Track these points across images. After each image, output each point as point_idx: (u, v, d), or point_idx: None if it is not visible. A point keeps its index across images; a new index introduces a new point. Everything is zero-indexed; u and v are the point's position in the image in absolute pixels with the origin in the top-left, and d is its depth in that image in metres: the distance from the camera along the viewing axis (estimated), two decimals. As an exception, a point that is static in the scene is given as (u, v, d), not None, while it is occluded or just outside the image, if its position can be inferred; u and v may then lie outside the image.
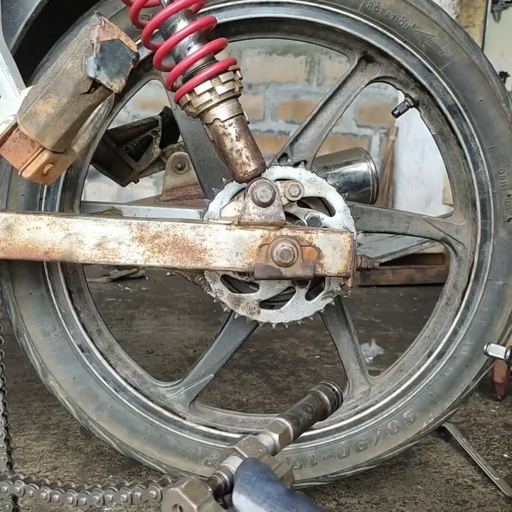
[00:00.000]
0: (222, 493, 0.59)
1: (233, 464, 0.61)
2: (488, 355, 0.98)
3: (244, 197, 0.97)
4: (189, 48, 0.90)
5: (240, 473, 0.59)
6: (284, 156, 1.09)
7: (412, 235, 1.15)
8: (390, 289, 3.17)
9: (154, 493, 0.79)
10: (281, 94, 4.10)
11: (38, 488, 0.87)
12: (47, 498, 0.86)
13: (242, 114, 0.93)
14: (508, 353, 0.97)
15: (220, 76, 0.90)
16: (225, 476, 0.60)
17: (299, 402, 0.76)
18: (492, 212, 1.08)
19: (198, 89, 0.90)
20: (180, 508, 0.55)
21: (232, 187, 1.03)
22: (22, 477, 0.89)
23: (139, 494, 0.81)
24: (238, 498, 0.57)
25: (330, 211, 1.04)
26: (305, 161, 1.09)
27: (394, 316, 2.66)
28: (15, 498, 1.01)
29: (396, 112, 1.13)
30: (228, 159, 0.94)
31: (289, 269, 0.97)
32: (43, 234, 0.95)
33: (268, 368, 1.95)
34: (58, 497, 0.86)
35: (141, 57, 1.00)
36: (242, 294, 1.06)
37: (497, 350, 0.98)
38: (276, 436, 0.68)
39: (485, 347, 0.99)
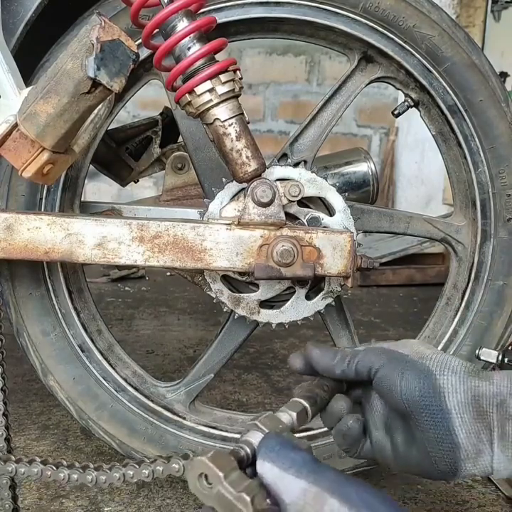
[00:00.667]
0: (245, 464, 0.59)
1: (254, 438, 0.61)
2: (479, 359, 0.98)
3: (245, 197, 0.97)
4: (189, 48, 0.90)
5: (264, 443, 0.59)
6: (284, 156, 1.09)
7: (412, 235, 1.15)
8: (390, 289, 3.17)
9: (176, 466, 0.80)
10: (281, 94, 4.10)
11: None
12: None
13: (242, 114, 0.93)
14: (500, 357, 0.97)
15: (220, 76, 0.90)
16: (247, 449, 0.60)
17: (314, 382, 0.77)
18: (492, 212, 1.08)
19: (198, 89, 0.90)
20: (206, 476, 0.56)
21: (232, 187, 1.03)
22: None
23: (160, 469, 0.82)
24: (263, 466, 0.57)
25: (330, 211, 1.04)
26: (305, 161, 1.09)
27: (394, 316, 2.66)
28: (15, 498, 1.01)
29: (396, 112, 1.13)
30: (228, 159, 0.94)
31: (289, 269, 0.97)
32: (43, 234, 0.95)
33: (268, 368, 1.95)
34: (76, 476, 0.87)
35: (141, 57, 1.00)
36: (242, 294, 1.06)
37: (488, 355, 0.98)
38: (294, 415, 0.68)
39: (477, 351, 0.98)
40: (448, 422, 0.64)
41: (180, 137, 1.20)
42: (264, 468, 0.57)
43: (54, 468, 0.87)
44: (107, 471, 0.86)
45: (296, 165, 1.06)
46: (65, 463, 0.88)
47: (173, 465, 0.80)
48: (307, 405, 0.71)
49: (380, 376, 0.69)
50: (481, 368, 0.69)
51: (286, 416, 0.68)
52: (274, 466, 0.56)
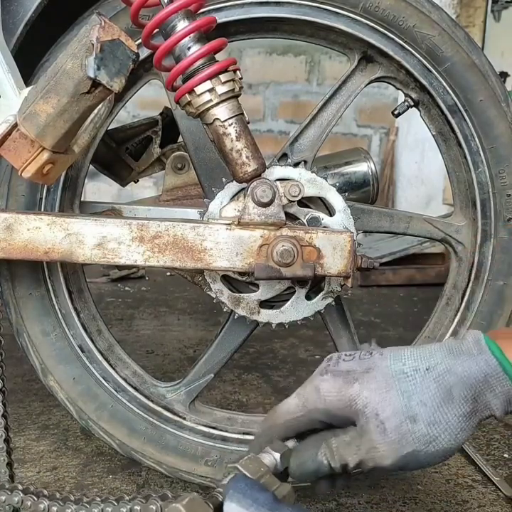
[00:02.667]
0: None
1: None
2: None
3: (244, 197, 0.97)
4: (189, 48, 0.90)
5: (232, 484, 0.62)
6: (284, 156, 1.09)
7: (412, 235, 1.15)
8: (390, 289, 3.17)
9: (154, 507, 0.80)
10: (281, 94, 4.10)
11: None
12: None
13: (242, 114, 0.93)
14: None
15: (220, 76, 0.90)
16: None
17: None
18: (492, 212, 1.08)
19: (198, 89, 0.90)
20: None
21: (232, 187, 1.02)
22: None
23: (138, 508, 0.82)
24: (229, 506, 0.60)
25: (330, 211, 1.04)
26: (305, 161, 1.09)
27: (394, 316, 2.66)
28: (15, 498, 1.01)
29: (396, 112, 1.13)
30: (228, 159, 0.94)
31: (289, 269, 0.97)
32: (43, 234, 0.95)
33: (268, 368, 1.95)
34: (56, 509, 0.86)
35: (141, 57, 1.00)
36: (242, 294, 1.06)
37: None
38: (277, 456, 0.69)
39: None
40: None
41: (180, 137, 1.20)
42: (229, 508, 0.60)
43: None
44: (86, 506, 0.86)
45: (296, 165, 1.06)
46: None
47: (151, 506, 0.81)
48: (291, 446, 0.72)
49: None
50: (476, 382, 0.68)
51: (270, 458, 0.69)
52: (238, 507, 0.59)
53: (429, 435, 0.65)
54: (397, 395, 0.67)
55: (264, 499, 0.59)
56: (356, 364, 0.72)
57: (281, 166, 1.03)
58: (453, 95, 1.05)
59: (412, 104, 1.10)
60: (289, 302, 1.06)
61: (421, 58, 1.04)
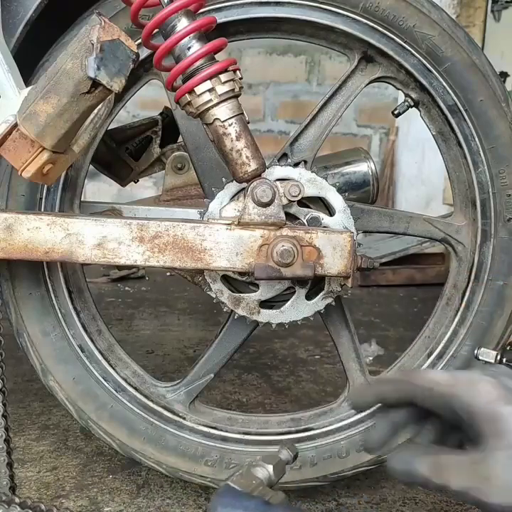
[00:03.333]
0: None
1: None
2: (478, 359, 0.98)
3: (244, 197, 0.97)
4: (189, 48, 0.90)
5: (219, 501, 0.61)
6: (284, 156, 1.09)
7: (412, 235, 1.15)
8: (390, 289, 3.17)
9: None
10: (281, 94, 4.10)
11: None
12: None
13: (242, 114, 0.93)
14: (498, 358, 0.97)
15: (220, 76, 0.90)
16: None
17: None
18: (492, 212, 1.08)
19: (198, 89, 0.90)
20: None
21: (232, 187, 1.02)
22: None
23: None
24: None
25: (330, 211, 1.04)
26: (305, 161, 1.09)
27: (394, 316, 2.66)
28: (15, 498, 1.01)
29: (396, 112, 1.13)
30: (228, 159, 0.94)
31: (289, 269, 0.97)
32: (43, 234, 0.95)
33: (268, 368, 1.95)
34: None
35: (141, 57, 1.00)
36: (242, 294, 1.06)
37: (487, 355, 0.98)
38: (270, 468, 0.68)
39: (475, 351, 0.98)
40: None
41: (180, 137, 1.20)
42: None
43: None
44: None
45: (296, 165, 1.06)
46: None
47: None
48: (283, 457, 0.71)
49: None
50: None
51: (262, 471, 0.68)
52: None
53: None
54: None
55: (255, 505, 0.59)
56: None
57: (281, 166, 1.03)
58: (453, 95, 1.05)
59: (412, 104, 1.10)
60: (289, 302, 1.06)
61: (421, 58, 1.04)
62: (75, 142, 0.93)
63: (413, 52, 1.04)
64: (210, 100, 0.90)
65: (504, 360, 0.96)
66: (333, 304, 1.07)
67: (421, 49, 1.04)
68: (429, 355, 1.15)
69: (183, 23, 0.90)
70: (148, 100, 2.94)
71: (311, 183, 1.03)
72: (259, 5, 1.04)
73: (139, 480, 1.26)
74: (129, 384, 1.15)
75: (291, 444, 0.73)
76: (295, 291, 1.06)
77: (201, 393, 1.18)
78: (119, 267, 2.62)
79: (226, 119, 0.91)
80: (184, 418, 1.16)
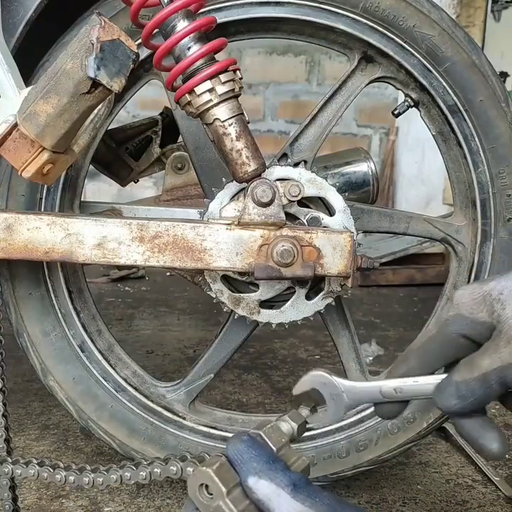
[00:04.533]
0: None
1: None
2: None
3: (244, 197, 0.97)
4: (189, 48, 0.90)
5: (252, 457, 0.56)
6: (284, 156, 1.09)
7: (412, 235, 1.15)
8: (390, 289, 3.17)
9: (174, 468, 0.79)
10: (281, 94, 4.10)
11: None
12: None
13: (242, 114, 0.93)
14: None
15: (220, 76, 0.90)
16: None
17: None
18: (492, 212, 1.08)
19: (198, 89, 0.90)
20: (207, 486, 0.55)
21: (232, 187, 1.02)
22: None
23: (158, 471, 0.81)
24: (258, 482, 0.55)
25: (330, 211, 1.04)
26: (305, 161, 1.09)
27: (394, 316, 2.66)
28: (15, 499, 1.01)
29: (396, 112, 1.13)
30: (228, 159, 0.94)
31: (289, 269, 0.97)
32: (43, 234, 0.95)
33: (268, 368, 1.95)
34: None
35: (141, 57, 1.00)
36: (242, 294, 1.06)
37: None
38: (295, 426, 0.66)
39: None
40: None
41: (180, 137, 1.20)
42: (260, 484, 0.55)
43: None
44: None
45: (296, 165, 1.06)
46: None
47: (171, 468, 0.80)
48: (305, 415, 0.70)
49: None
50: None
51: (287, 426, 0.66)
52: (271, 484, 0.54)
53: None
54: None
55: (300, 481, 0.55)
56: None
57: (281, 166, 1.03)
58: (453, 95, 1.05)
59: (412, 104, 1.10)
60: (289, 302, 1.06)
61: (421, 58, 1.04)
62: (75, 142, 0.93)
63: (413, 52, 1.04)
64: (210, 100, 0.90)
65: None
66: (333, 303, 1.07)
67: (421, 49, 1.04)
68: (429, 355, 1.15)
69: (183, 23, 0.90)
70: (148, 100, 2.94)
71: (311, 183, 1.03)
72: (259, 5, 1.04)
73: (139, 480, 1.26)
74: (129, 384, 1.15)
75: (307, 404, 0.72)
76: (295, 291, 1.06)
77: (201, 393, 1.18)
78: (119, 267, 2.62)
79: (226, 119, 0.91)
80: (184, 418, 1.16)
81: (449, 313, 0.64)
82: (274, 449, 0.60)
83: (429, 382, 0.65)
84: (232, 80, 0.91)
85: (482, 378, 0.59)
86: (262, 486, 0.54)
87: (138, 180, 1.53)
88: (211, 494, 0.55)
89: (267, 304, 1.08)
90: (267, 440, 0.61)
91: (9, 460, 0.90)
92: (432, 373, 0.66)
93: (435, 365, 0.66)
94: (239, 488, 0.55)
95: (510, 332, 0.58)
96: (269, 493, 0.54)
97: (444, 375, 0.63)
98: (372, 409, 1.15)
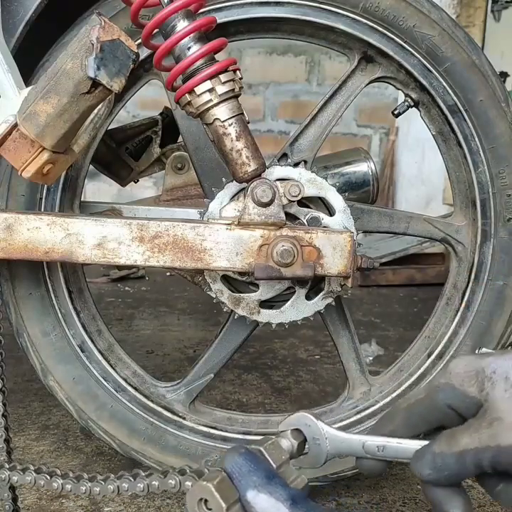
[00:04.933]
0: None
1: None
2: None
3: (244, 197, 0.97)
4: (189, 48, 0.90)
5: (251, 472, 0.56)
6: (284, 156, 1.09)
7: (412, 235, 1.15)
8: (390, 289, 3.17)
9: (173, 482, 0.79)
10: (281, 94, 4.11)
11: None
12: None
13: (242, 114, 0.93)
14: None
15: (220, 76, 0.90)
16: None
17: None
18: (492, 212, 1.08)
19: (198, 89, 0.90)
20: (206, 501, 0.54)
21: (232, 187, 1.02)
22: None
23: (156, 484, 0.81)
24: (257, 496, 0.54)
25: (330, 211, 1.04)
26: (305, 161, 1.09)
27: (394, 316, 2.66)
28: (15, 499, 1.01)
29: (396, 112, 1.13)
30: (228, 159, 0.94)
31: (289, 269, 0.96)
32: (43, 234, 0.95)
33: (268, 368, 1.95)
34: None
35: (141, 57, 1.00)
36: (242, 294, 1.06)
37: None
38: (295, 443, 0.66)
39: (476, 352, 0.98)
40: None
41: (180, 137, 1.20)
42: (259, 498, 0.54)
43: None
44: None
45: (296, 165, 1.06)
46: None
47: (170, 481, 0.80)
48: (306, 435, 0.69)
49: None
50: None
51: (287, 443, 0.66)
52: (271, 498, 0.54)
53: None
54: None
55: (298, 496, 0.55)
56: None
57: (281, 166, 1.03)
58: (453, 95, 1.05)
59: (412, 104, 1.10)
60: (289, 302, 1.06)
61: (421, 58, 1.04)
62: (75, 142, 0.93)
63: (413, 52, 1.04)
64: (210, 100, 0.90)
65: None
66: (333, 303, 1.07)
67: (421, 49, 1.04)
68: (429, 356, 1.15)
69: (183, 23, 0.90)
70: (148, 100, 2.94)
71: (311, 183, 1.03)
72: (259, 5, 1.04)
73: (139, 480, 1.26)
74: (129, 384, 1.15)
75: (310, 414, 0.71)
76: (295, 291, 1.06)
77: (201, 393, 1.18)
78: (119, 267, 2.62)
79: (226, 119, 0.91)
80: (184, 418, 1.16)
81: (440, 380, 0.64)
82: (274, 466, 0.60)
83: (412, 446, 0.64)
84: (232, 80, 0.91)
85: (458, 455, 0.59)
86: (261, 500, 0.54)
87: (138, 180, 1.53)
88: (210, 509, 0.54)
89: (267, 304, 1.08)
90: (268, 457, 0.61)
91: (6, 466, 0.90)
92: (418, 436, 0.66)
93: (420, 428, 0.66)
94: (238, 504, 0.55)
95: (493, 414, 0.58)
96: (268, 507, 0.54)
97: (427, 442, 0.63)
98: (372, 409, 1.15)
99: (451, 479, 0.60)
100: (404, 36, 1.03)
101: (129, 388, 1.14)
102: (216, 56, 0.93)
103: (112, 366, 1.14)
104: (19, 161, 0.87)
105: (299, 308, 1.06)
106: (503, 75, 3.69)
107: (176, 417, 1.15)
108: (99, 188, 3.79)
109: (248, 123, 0.95)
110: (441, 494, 0.61)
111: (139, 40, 0.97)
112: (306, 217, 1.03)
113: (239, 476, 0.56)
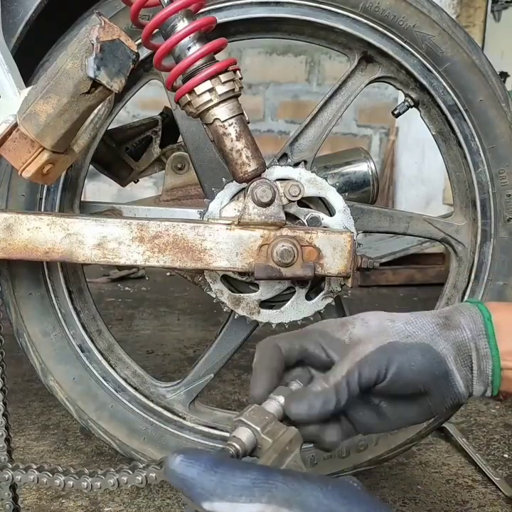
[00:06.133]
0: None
1: (243, 435, 0.60)
2: None
3: (244, 197, 0.97)
4: (189, 48, 0.90)
5: (201, 479, 0.52)
6: (284, 156, 1.09)
7: (412, 235, 1.15)
8: (390, 289, 3.17)
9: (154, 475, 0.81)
10: (281, 94, 4.10)
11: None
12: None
13: (242, 114, 0.93)
14: None
15: (220, 76, 0.90)
16: (237, 446, 0.59)
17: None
18: (492, 212, 1.08)
19: (198, 89, 0.90)
20: None
21: (232, 187, 1.02)
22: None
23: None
24: (212, 507, 0.51)
25: (330, 211, 1.04)
26: (305, 161, 1.09)
27: (394, 316, 2.65)
28: (15, 498, 1.01)
29: (396, 112, 1.13)
30: (228, 159, 0.94)
31: (289, 269, 0.97)
32: (43, 234, 0.95)
33: (268, 368, 1.94)
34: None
35: (141, 57, 1.00)
36: (242, 294, 1.06)
37: None
38: (281, 399, 0.65)
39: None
40: (453, 380, 0.69)
41: (180, 137, 1.20)
42: (215, 507, 0.51)
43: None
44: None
45: (296, 165, 1.06)
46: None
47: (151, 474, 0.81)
48: (294, 388, 0.69)
49: (394, 372, 0.67)
50: (445, 310, 0.73)
51: (274, 404, 0.65)
52: (224, 502, 0.51)
53: (407, 331, 0.70)
54: (385, 314, 0.73)
55: (252, 481, 0.51)
56: None
57: (281, 166, 1.03)
58: (453, 95, 1.05)
59: (412, 104, 1.10)
60: (289, 302, 1.06)
61: (421, 58, 1.04)
62: (75, 142, 0.93)
63: (413, 52, 1.04)
64: (210, 100, 0.90)
65: None
66: (333, 303, 1.07)
67: (421, 49, 1.04)
68: (429, 355, 1.15)
69: (183, 23, 0.90)
70: (148, 100, 2.94)
71: (311, 183, 1.03)
72: (259, 5, 1.04)
73: (139, 480, 1.26)
74: (129, 384, 1.15)
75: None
76: (295, 291, 1.06)
77: (201, 393, 1.18)
78: (119, 267, 2.62)
79: (226, 119, 0.91)
80: (184, 418, 1.16)
81: (315, 326, 0.75)
82: (258, 429, 0.60)
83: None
84: (232, 80, 0.91)
85: (336, 385, 0.66)
86: (218, 508, 0.51)
87: (138, 180, 1.53)
88: None
89: (267, 304, 1.08)
90: (249, 422, 0.60)
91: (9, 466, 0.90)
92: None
93: (294, 359, 0.73)
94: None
95: (354, 343, 0.69)
96: (228, 510, 0.51)
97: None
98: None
99: (328, 412, 0.66)
100: (404, 36, 1.04)
101: (129, 388, 1.15)
102: (216, 56, 0.93)
103: (111, 366, 1.14)
104: (19, 161, 0.87)
105: (299, 309, 1.06)
106: (503, 75, 3.68)
107: (176, 417, 1.15)
108: (99, 188, 3.79)
109: (248, 123, 0.95)
110: (318, 429, 0.67)
111: (139, 40, 0.97)
112: (306, 217, 1.03)
113: (187, 491, 0.53)
